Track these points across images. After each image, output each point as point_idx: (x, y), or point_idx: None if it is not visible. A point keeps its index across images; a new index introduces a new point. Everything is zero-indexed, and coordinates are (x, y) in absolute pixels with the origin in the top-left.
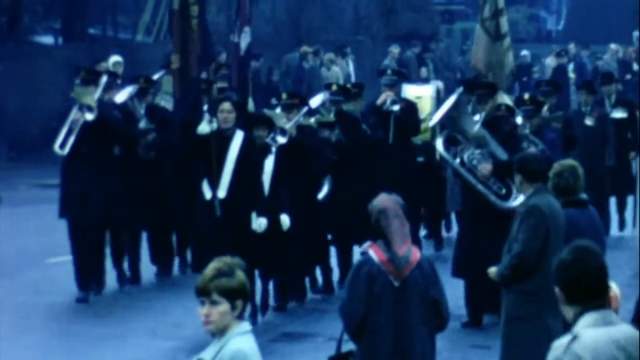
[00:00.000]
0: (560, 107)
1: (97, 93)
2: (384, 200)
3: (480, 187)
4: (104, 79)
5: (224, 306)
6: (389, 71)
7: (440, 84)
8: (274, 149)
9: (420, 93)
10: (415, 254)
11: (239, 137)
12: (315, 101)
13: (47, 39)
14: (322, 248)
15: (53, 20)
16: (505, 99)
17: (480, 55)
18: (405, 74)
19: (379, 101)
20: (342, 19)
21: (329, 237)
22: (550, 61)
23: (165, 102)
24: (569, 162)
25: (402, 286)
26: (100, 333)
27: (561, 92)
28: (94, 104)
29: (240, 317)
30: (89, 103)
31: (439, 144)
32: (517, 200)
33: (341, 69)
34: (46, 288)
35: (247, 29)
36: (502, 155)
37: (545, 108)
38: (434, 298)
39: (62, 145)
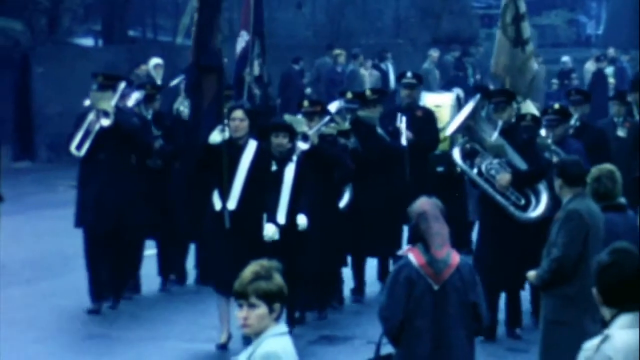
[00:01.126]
0: (598, 113)
1: (115, 99)
2: (424, 203)
3: (498, 197)
4: (122, 85)
5: (262, 309)
6: (408, 74)
7: (460, 91)
8: (295, 157)
9: (440, 102)
10: (455, 258)
11: (252, 146)
12: (330, 109)
13: (87, 41)
14: (340, 258)
15: (93, 23)
16: (530, 107)
17: (500, 61)
18: (424, 80)
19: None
20: (382, 23)
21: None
22: (590, 66)
23: (184, 107)
24: (607, 166)
25: (441, 290)
26: (139, 335)
27: (591, 100)
28: (111, 110)
29: (277, 320)
30: (106, 109)
31: (456, 153)
32: (537, 211)
33: (370, 75)
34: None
35: (243, 34)
36: (521, 165)
37: (575, 117)
38: (472, 302)
39: (79, 147)
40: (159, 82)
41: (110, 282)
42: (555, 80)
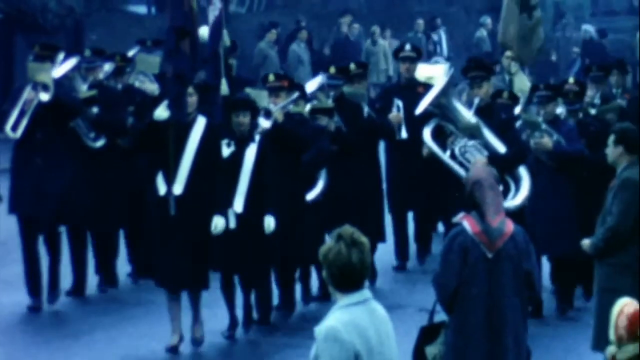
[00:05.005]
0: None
1: (55, 70)
2: (479, 171)
3: None
4: (61, 56)
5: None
6: (407, 46)
7: (443, 60)
8: (257, 138)
9: (431, 73)
10: (509, 226)
11: (200, 124)
12: (311, 86)
13: (140, 9)
14: (315, 249)
15: None
16: (524, 80)
17: (508, 30)
18: (422, 52)
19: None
20: None
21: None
22: None
23: (140, 83)
24: None
25: (496, 258)
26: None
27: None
28: (50, 83)
29: (350, 288)
30: (45, 81)
31: (426, 134)
32: (516, 199)
33: (389, 46)
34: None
35: (216, 1)
36: (499, 147)
37: (596, 95)
38: (526, 270)
39: (15, 127)
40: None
41: (51, 275)
42: (576, 49)
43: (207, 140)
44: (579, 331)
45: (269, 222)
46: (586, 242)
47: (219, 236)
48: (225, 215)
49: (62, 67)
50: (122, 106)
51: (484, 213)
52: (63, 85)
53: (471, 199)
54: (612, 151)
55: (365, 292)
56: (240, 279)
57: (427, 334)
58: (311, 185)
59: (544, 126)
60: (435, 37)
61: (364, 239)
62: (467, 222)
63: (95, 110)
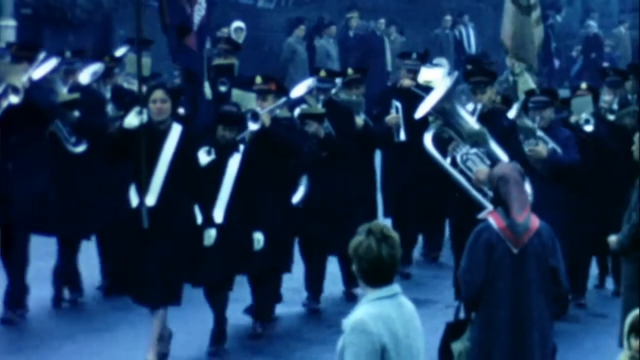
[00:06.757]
0: None
1: (30, 73)
2: (504, 167)
3: (474, 193)
4: (41, 56)
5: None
6: (414, 55)
7: (445, 62)
8: (242, 147)
9: (431, 76)
10: (535, 222)
11: (175, 132)
12: (300, 89)
13: None
14: (287, 258)
15: None
16: (529, 81)
17: (507, 31)
18: (429, 56)
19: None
20: None
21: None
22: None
23: (129, 84)
24: None
25: (521, 253)
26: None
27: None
28: (21, 85)
29: (379, 283)
30: (15, 84)
31: (427, 140)
32: None
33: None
34: None
35: (202, 1)
36: (502, 155)
37: (614, 101)
38: (552, 266)
39: None
40: None
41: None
42: (578, 47)
43: (183, 148)
44: (607, 328)
45: (259, 239)
46: (612, 239)
47: (197, 248)
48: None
49: (41, 68)
50: (103, 111)
51: (509, 209)
52: (41, 87)
53: (497, 195)
54: (638, 148)
55: (395, 287)
56: (207, 292)
57: (453, 330)
58: (294, 191)
59: (539, 133)
60: (460, 31)
61: (394, 234)
62: (492, 218)
63: (76, 114)
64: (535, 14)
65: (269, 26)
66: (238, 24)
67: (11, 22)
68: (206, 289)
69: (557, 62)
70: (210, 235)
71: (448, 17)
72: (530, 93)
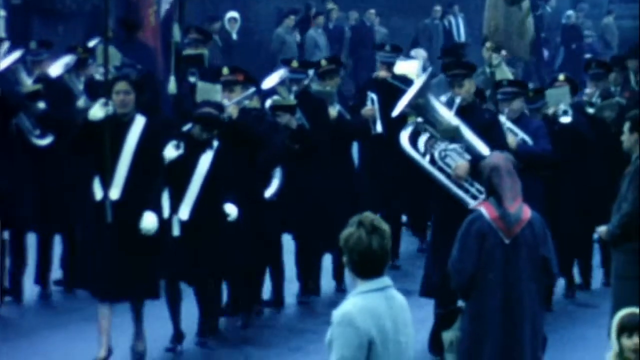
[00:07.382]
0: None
1: None
2: (497, 157)
3: (455, 189)
4: (5, 46)
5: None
6: (387, 47)
7: (423, 52)
8: (214, 144)
9: (406, 69)
10: (527, 212)
11: (138, 124)
12: (271, 80)
13: None
14: (271, 253)
15: None
16: (506, 72)
17: (492, 24)
18: (402, 50)
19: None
20: None
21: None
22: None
23: (100, 75)
24: None
25: (513, 244)
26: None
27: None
28: None
29: (370, 275)
30: None
31: (404, 137)
32: None
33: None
34: None
35: None
36: (482, 149)
37: (595, 94)
38: (543, 256)
39: None
40: (234, 36)
41: None
42: (557, 38)
43: (146, 141)
44: (597, 318)
45: (231, 210)
46: (602, 229)
47: (163, 242)
48: (160, 215)
49: (6, 59)
50: (73, 102)
51: (501, 199)
52: (7, 78)
53: (489, 185)
54: (627, 138)
55: (385, 279)
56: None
57: (444, 320)
58: (266, 184)
59: (507, 124)
60: (453, 22)
61: (384, 226)
62: (484, 208)
63: (41, 105)
64: (525, 4)
65: (262, 16)
66: (232, 14)
67: (1, 12)
68: (190, 282)
69: (546, 53)
70: (148, 220)
71: (438, 8)
72: (498, 85)
